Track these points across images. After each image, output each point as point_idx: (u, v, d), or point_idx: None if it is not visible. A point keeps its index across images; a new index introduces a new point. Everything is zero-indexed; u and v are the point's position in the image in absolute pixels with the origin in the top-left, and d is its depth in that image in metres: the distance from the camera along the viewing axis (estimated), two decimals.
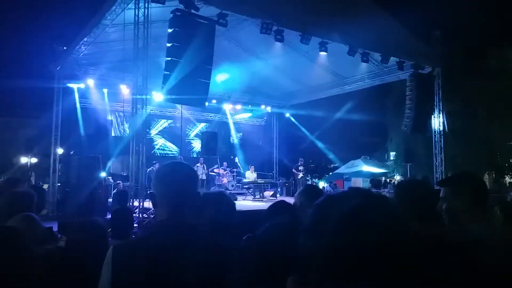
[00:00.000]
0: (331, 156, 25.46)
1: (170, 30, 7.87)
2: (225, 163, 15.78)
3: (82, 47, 11.07)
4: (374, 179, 20.85)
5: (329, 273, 0.59)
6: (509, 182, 20.83)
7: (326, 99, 16.37)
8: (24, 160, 19.33)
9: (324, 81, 14.48)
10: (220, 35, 10.06)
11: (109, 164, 13.46)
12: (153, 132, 17.29)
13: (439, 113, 12.44)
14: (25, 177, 14.93)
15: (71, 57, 11.89)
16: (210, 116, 18.56)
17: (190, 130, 18.51)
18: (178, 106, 14.86)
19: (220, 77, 13.86)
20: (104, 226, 2.24)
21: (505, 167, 20.82)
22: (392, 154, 26.83)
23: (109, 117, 15.96)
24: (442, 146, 12.45)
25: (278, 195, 13.63)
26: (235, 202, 2.13)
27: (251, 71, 13.98)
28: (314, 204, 0.75)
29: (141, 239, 1.66)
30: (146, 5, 8.03)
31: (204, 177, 13.87)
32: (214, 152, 12.34)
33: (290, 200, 2.52)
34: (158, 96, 11.88)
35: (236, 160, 17.23)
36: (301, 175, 15.01)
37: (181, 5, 7.80)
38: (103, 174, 10.64)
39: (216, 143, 12.34)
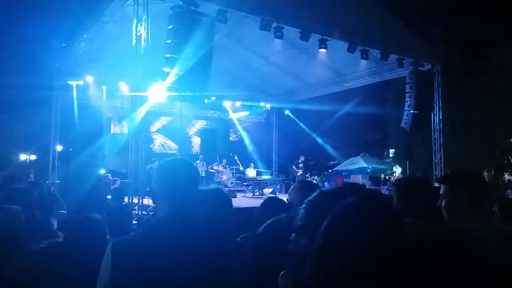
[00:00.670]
0: (330, 153, 25.44)
1: (169, 27, 7.84)
2: (224, 160, 15.76)
3: (81, 44, 11.03)
4: (373, 176, 20.89)
5: (321, 272, 0.57)
6: (508, 179, 20.86)
7: (325, 96, 16.34)
8: (23, 157, 19.32)
9: (324, 78, 14.46)
10: (220, 31, 10.04)
11: (109, 161, 13.46)
12: (153, 129, 17.27)
13: (439, 110, 12.43)
14: (25, 174, 14.90)
15: (70, 54, 11.85)
16: (210, 113, 18.53)
17: (190, 127, 18.53)
18: (178, 103, 14.84)
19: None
20: (103, 222, 2.24)
21: (504, 164, 20.82)
22: (392, 151, 26.82)
23: (108, 114, 15.94)
24: (441, 143, 12.42)
25: (277, 192, 13.64)
26: (233, 199, 2.11)
27: (250, 68, 13.95)
28: (306, 200, 0.72)
29: (141, 235, 1.66)
30: (146, 1, 7.99)
31: (203, 174, 13.88)
32: (213, 149, 12.34)
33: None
34: (157, 93, 11.87)
35: (236, 157, 17.23)
36: (300, 172, 15.02)
37: (180, 1, 7.78)
38: (102, 171, 10.63)
39: (215, 140, 12.34)
